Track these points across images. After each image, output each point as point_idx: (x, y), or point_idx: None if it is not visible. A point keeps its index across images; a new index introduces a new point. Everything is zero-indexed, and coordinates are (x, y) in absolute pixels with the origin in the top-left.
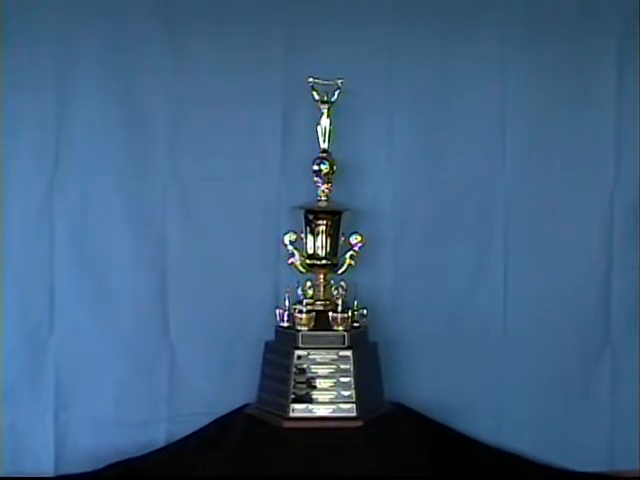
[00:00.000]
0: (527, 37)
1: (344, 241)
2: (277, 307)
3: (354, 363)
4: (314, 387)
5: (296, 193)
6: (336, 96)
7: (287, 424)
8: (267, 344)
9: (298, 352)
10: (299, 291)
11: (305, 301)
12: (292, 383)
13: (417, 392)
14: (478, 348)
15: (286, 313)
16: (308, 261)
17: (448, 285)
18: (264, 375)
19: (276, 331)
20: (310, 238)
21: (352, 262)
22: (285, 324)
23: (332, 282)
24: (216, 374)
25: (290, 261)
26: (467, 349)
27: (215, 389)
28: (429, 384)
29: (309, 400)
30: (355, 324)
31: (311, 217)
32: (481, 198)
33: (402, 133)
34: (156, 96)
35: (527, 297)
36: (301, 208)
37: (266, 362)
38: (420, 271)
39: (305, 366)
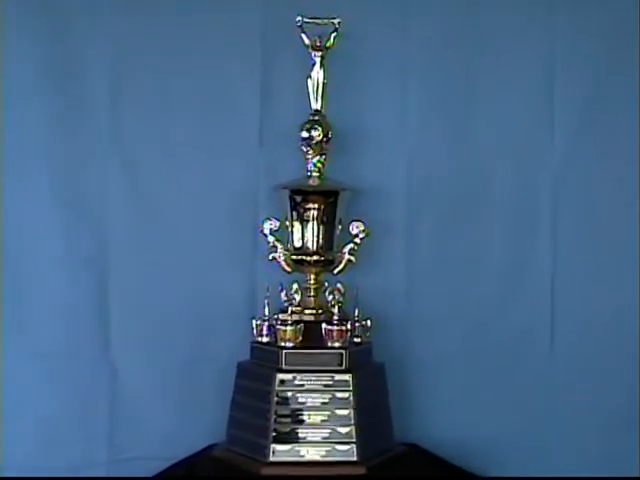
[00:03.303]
0: None
1: (342, 231)
2: (254, 317)
3: (354, 390)
4: (302, 422)
5: (279, 168)
6: (332, 40)
7: (266, 471)
8: (240, 365)
9: (281, 376)
10: (283, 296)
11: (291, 309)
12: (273, 417)
13: (436, 429)
14: (516, 370)
15: (266, 325)
16: (295, 257)
17: (477, 289)
18: (236, 406)
19: (252, 348)
20: (297, 227)
21: (352, 258)
22: (264, 339)
23: (326, 284)
24: (172, 404)
25: (271, 257)
26: (502, 371)
27: (170, 425)
28: (452, 418)
29: (295, 439)
30: (356, 339)
31: (299, 199)
32: (521, 179)
33: (419, 91)
34: (94, 36)
35: (581, 304)
36: (285, 188)
37: (239, 389)
38: (441, 271)
39: (290, 394)
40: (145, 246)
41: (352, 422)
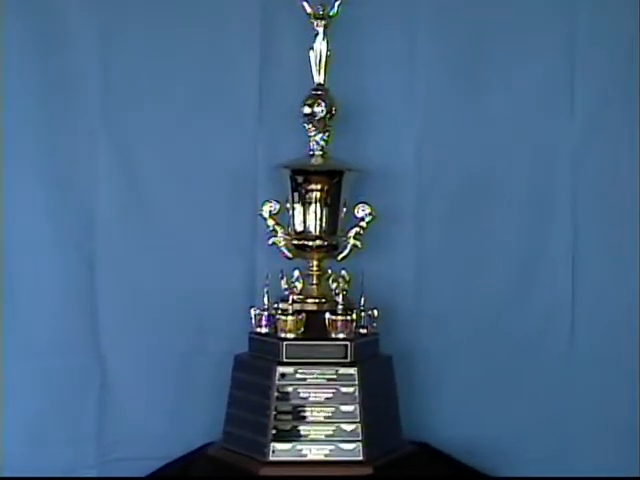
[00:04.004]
0: None
1: (346, 214)
2: (252, 307)
3: (360, 385)
4: (303, 419)
5: (279, 147)
6: (336, 9)
7: (265, 471)
8: (238, 358)
9: (281, 369)
10: (283, 284)
11: (292, 298)
12: (273, 413)
13: (448, 427)
14: (533, 366)
15: (265, 314)
16: (296, 242)
17: (492, 278)
18: (233, 402)
19: (250, 340)
20: (299, 210)
21: (357, 243)
22: (263, 330)
23: (329, 271)
24: (165, 401)
25: (271, 241)
26: (517, 367)
27: (163, 423)
28: (464, 416)
29: (296, 437)
30: (361, 330)
31: (300, 180)
32: (539, 161)
33: (430, 63)
34: (81, 11)
35: (603, 297)
36: (286, 167)
37: (236, 383)
38: (452, 258)
39: (291, 389)
40: (136, 232)
41: (358, 419)
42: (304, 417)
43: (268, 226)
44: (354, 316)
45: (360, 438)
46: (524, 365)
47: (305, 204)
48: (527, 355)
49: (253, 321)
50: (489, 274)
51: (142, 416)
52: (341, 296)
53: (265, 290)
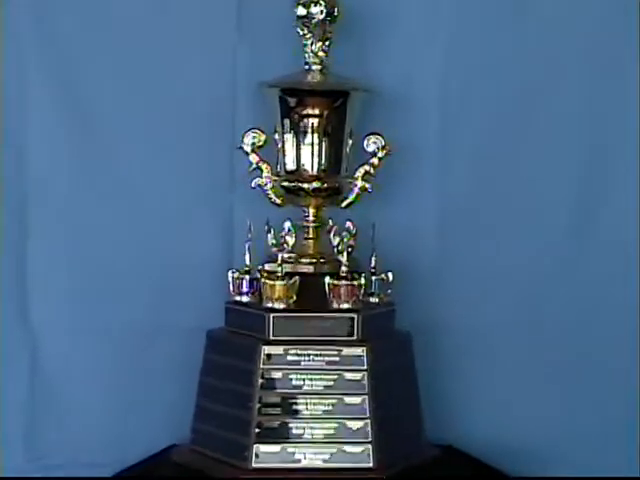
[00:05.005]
0: None
1: (353, 148)
2: (230, 269)
3: (370, 370)
4: (296, 414)
5: (265, 60)
6: None
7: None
8: (211, 335)
9: (268, 349)
10: (270, 239)
11: (281, 257)
12: (256, 406)
13: (479, 426)
14: (587, 350)
15: (246, 279)
16: (287, 183)
17: (534, 234)
18: (205, 392)
19: (228, 311)
20: (291, 142)
21: (367, 186)
22: (244, 298)
23: (330, 222)
24: (115, 391)
25: (254, 183)
26: (567, 349)
27: (114, 419)
28: (500, 412)
29: (287, 438)
30: (372, 299)
31: (293, 103)
32: (595, 88)
33: None
34: None
35: None
36: (274, 86)
37: (209, 368)
38: (485, 205)
39: (280, 375)
40: (78, 175)
41: (367, 414)
42: (297, 411)
43: (251, 164)
44: (362, 281)
45: (369, 439)
46: (576, 346)
47: (299, 135)
48: (580, 333)
49: (231, 287)
50: (532, 228)
51: (85, 411)
52: (345, 255)
53: (246, 246)
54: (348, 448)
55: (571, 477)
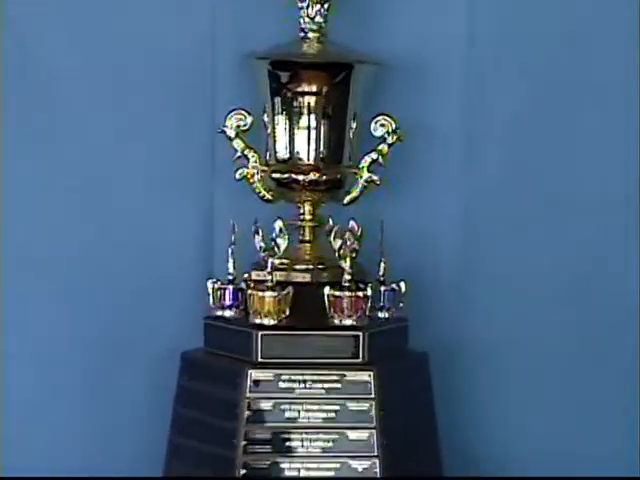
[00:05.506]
0: None
1: (357, 131)
2: (210, 278)
3: (379, 399)
4: (289, 452)
5: (250, 25)
6: None
7: None
8: (187, 357)
9: (255, 374)
10: (258, 241)
11: (272, 262)
12: (242, 443)
13: (515, 464)
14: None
15: (229, 289)
16: (278, 175)
17: (580, 226)
18: (179, 425)
19: (207, 328)
20: (282, 124)
21: (375, 178)
22: (227, 313)
23: (330, 222)
24: (72, 423)
25: (239, 175)
26: (618, 364)
27: (70, 455)
28: (538, 434)
29: None
30: (380, 314)
31: (285, 78)
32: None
33: None
34: None
35: None
36: (263, 58)
37: (184, 397)
38: (519, 197)
39: (270, 406)
40: (30, 159)
41: (375, 452)
42: (290, 449)
43: (235, 151)
44: (368, 292)
45: None
46: (624, 355)
47: (292, 116)
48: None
49: (211, 300)
50: (575, 227)
51: (34, 445)
52: (348, 260)
53: (229, 251)
54: None
55: (571, 477)
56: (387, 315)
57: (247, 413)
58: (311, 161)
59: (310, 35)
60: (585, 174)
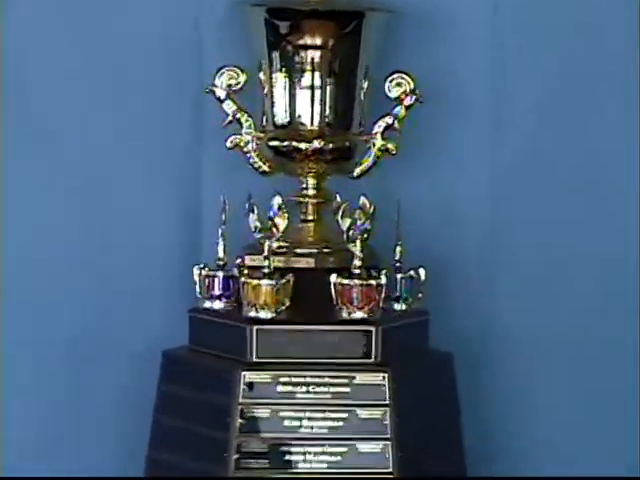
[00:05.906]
0: None
1: (369, 92)
2: (197, 264)
3: (395, 405)
4: (288, 467)
5: None
6: None
7: None
8: (169, 357)
9: (249, 376)
10: (253, 221)
11: (269, 245)
12: (234, 457)
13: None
14: None
15: (220, 277)
16: (276, 143)
17: (619, 219)
18: (160, 436)
19: (193, 322)
20: (281, 83)
21: (390, 146)
22: (217, 304)
23: (338, 198)
24: (44, 433)
25: (230, 142)
26: None
27: (40, 468)
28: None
29: None
30: (397, 306)
31: (284, 28)
32: None
33: None
34: None
35: None
36: (258, 5)
37: (165, 402)
38: (554, 177)
39: (267, 413)
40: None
41: (390, 467)
42: (290, 464)
43: (226, 115)
44: (382, 280)
45: None
46: None
47: (293, 74)
48: None
49: (198, 289)
50: (613, 208)
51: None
52: (359, 244)
53: (219, 232)
54: None
55: (571, 477)
56: (404, 307)
57: (240, 422)
58: (315, 126)
59: None
60: (624, 148)
